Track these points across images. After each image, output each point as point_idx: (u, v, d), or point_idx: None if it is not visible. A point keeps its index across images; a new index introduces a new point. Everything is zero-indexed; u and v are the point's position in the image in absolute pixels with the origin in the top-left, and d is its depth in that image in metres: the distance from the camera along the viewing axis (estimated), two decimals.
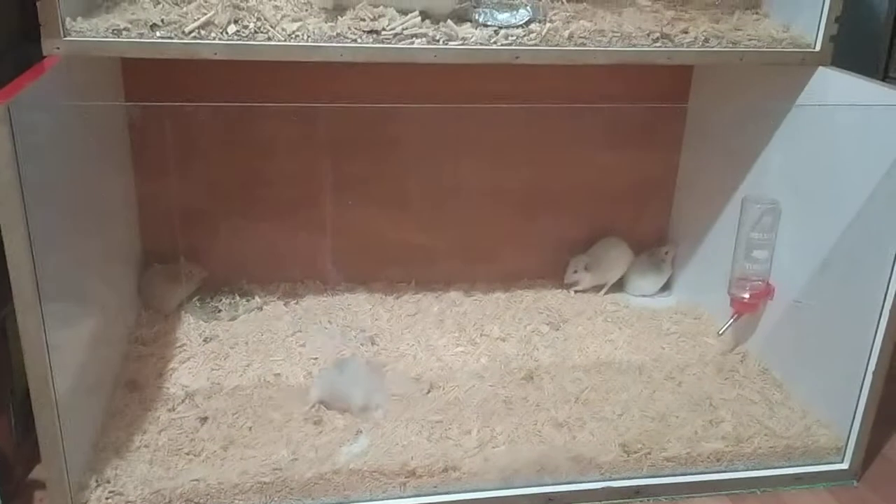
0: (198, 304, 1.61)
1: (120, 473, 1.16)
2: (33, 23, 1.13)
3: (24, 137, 0.96)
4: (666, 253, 1.79)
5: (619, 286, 1.80)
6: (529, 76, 1.46)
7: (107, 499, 1.12)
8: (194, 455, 1.21)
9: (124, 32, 1.15)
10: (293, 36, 1.19)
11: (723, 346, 1.56)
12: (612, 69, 1.36)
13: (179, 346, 1.49)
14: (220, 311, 1.60)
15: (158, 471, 1.17)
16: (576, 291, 1.77)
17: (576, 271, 1.76)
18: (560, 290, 1.77)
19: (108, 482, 1.14)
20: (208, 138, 1.57)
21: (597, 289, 1.78)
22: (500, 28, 1.26)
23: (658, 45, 1.29)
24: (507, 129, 1.67)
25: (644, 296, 1.78)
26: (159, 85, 1.41)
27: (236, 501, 1.15)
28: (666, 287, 1.80)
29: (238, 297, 1.65)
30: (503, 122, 1.65)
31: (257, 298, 1.66)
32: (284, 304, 1.65)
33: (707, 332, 1.61)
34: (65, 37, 1.13)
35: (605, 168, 1.75)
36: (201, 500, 1.14)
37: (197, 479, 1.15)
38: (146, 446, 1.22)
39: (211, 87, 1.43)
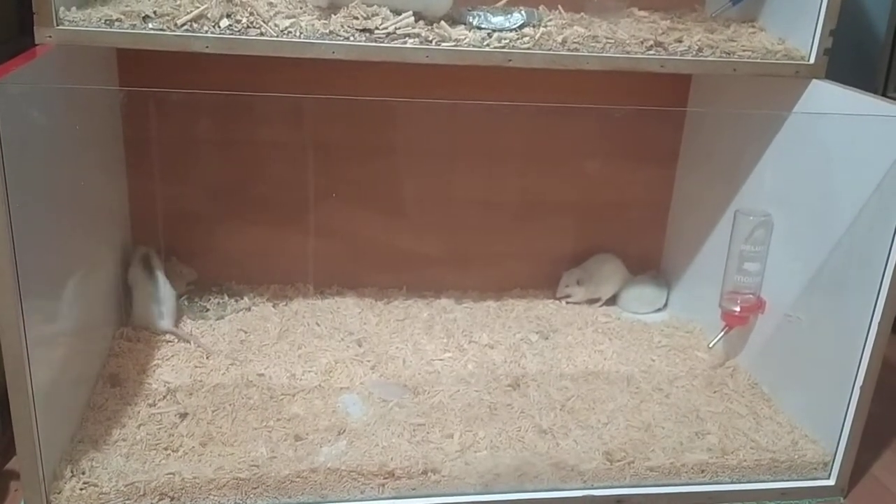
0: (185, 303, 1.60)
1: (96, 465, 1.15)
2: (29, 15, 1.14)
3: (9, 119, 0.96)
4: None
5: (611, 301, 1.78)
6: (527, 86, 1.47)
7: (81, 489, 1.10)
8: (172, 450, 1.19)
9: (116, 23, 1.15)
10: (286, 32, 1.19)
11: (713, 359, 1.55)
12: (611, 81, 1.36)
13: (163, 343, 1.48)
14: (207, 310, 1.59)
15: (135, 464, 1.16)
16: (567, 303, 1.76)
17: (568, 285, 1.76)
18: (551, 301, 1.75)
19: (84, 473, 1.13)
20: (201, 137, 1.58)
21: (590, 303, 1.77)
22: (494, 31, 1.26)
23: (652, 52, 1.29)
24: (503, 137, 1.66)
25: (636, 313, 1.76)
26: (155, 81, 1.41)
27: (211, 497, 1.13)
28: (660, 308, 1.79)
29: (227, 297, 1.64)
30: (499, 130, 1.65)
31: (246, 299, 1.65)
32: (273, 306, 1.64)
33: (698, 346, 1.60)
34: (57, 26, 1.13)
35: (601, 180, 1.75)
36: (176, 495, 1.12)
37: (172, 473, 1.13)
38: (124, 440, 1.21)
39: (207, 86, 1.43)
